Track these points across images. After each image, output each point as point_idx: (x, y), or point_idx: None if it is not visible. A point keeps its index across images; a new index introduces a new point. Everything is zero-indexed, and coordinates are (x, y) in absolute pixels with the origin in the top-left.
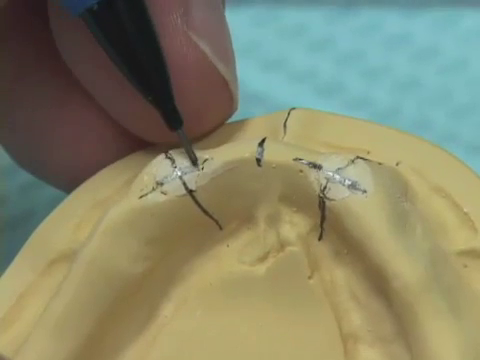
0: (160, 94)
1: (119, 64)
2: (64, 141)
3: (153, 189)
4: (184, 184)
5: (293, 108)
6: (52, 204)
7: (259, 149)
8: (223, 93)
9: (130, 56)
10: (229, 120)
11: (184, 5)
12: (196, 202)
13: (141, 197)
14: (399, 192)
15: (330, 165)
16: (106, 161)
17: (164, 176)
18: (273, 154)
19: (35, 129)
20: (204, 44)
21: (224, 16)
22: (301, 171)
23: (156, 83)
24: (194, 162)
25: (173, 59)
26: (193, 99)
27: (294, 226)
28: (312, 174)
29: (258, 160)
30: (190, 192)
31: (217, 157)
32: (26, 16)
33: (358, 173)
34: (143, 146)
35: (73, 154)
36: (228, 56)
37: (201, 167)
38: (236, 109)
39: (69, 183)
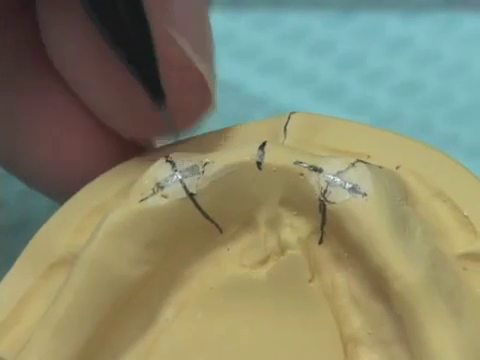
0: (144, 66)
1: (102, 31)
2: (46, 135)
3: (153, 192)
4: (185, 187)
5: (293, 112)
6: (51, 209)
7: (260, 152)
8: (201, 92)
9: (115, 23)
10: (230, 124)
11: (167, 2)
12: (196, 205)
13: (141, 200)
14: (399, 195)
15: (331, 168)
16: (88, 162)
17: (164, 179)
18: (274, 157)
19: (16, 121)
20: (183, 41)
21: (207, 13)
22: (302, 174)
23: (140, 54)
24: (176, 136)
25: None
26: (169, 97)
27: (295, 229)
28: (313, 177)
29: (258, 163)
30: (191, 195)
31: (218, 160)
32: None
33: (358, 176)
34: (128, 148)
35: (54, 150)
36: (208, 54)
37: (202, 170)
38: (214, 108)
39: (51, 184)
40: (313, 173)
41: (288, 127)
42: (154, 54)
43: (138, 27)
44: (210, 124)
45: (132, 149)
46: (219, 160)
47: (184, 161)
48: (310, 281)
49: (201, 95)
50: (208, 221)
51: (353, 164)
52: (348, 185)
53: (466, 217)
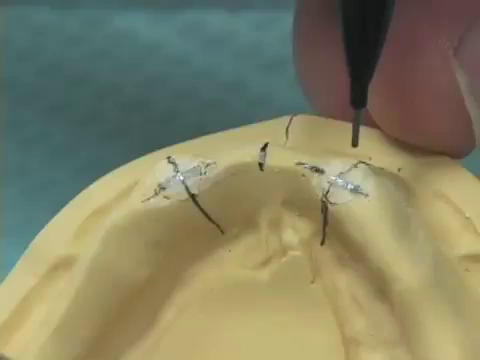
0: (359, 67)
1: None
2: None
3: (155, 193)
4: (187, 188)
5: (295, 114)
6: (53, 210)
7: (261, 154)
8: (462, 130)
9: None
10: (231, 125)
11: (459, 33)
12: (198, 207)
13: (143, 201)
14: (401, 197)
15: (333, 169)
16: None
17: (167, 180)
18: (275, 159)
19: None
20: (461, 75)
21: None
22: (303, 175)
23: (362, 55)
24: (354, 145)
25: (423, 77)
26: (427, 124)
27: (296, 231)
28: (314, 178)
29: (260, 165)
30: (192, 196)
31: (220, 162)
32: None
33: (360, 177)
34: None
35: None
36: None
37: (204, 171)
38: (475, 148)
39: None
40: (315, 174)
41: (290, 129)
42: (370, 67)
43: (370, 35)
44: (212, 125)
45: None
46: (221, 161)
47: (186, 162)
48: (312, 282)
49: (461, 134)
50: (210, 222)
51: (355, 165)
52: (350, 186)
53: (468, 218)
